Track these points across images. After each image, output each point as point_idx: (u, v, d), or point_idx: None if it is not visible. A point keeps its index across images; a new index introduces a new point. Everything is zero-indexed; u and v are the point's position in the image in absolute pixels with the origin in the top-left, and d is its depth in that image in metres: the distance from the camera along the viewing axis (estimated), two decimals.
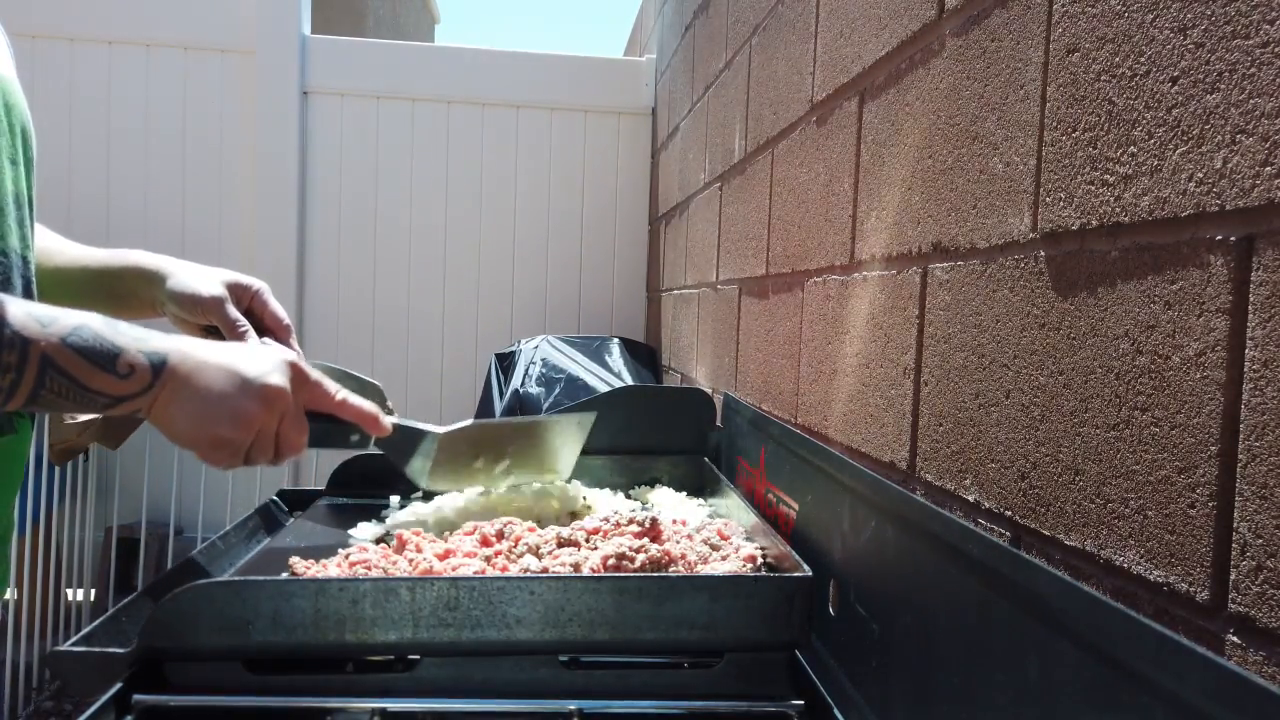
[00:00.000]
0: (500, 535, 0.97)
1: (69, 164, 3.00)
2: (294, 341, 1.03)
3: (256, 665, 0.76)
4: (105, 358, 0.73)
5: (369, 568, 0.88)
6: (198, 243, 3.06)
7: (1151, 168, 0.56)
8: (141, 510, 2.88)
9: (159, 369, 0.76)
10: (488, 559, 0.91)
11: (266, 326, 1.02)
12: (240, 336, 0.97)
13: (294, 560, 0.93)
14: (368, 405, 0.95)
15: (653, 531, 0.94)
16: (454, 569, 0.88)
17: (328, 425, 0.93)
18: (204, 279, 0.99)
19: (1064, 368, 0.64)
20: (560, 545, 0.92)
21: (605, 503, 1.19)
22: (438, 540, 0.98)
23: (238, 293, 1.00)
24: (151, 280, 0.99)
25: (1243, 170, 0.49)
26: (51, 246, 0.98)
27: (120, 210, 3.02)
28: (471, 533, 0.99)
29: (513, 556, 0.91)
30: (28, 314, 0.70)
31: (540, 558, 0.90)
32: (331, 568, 0.91)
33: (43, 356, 0.70)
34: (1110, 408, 0.59)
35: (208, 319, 0.98)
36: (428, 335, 3.17)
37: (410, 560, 0.91)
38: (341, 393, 0.92)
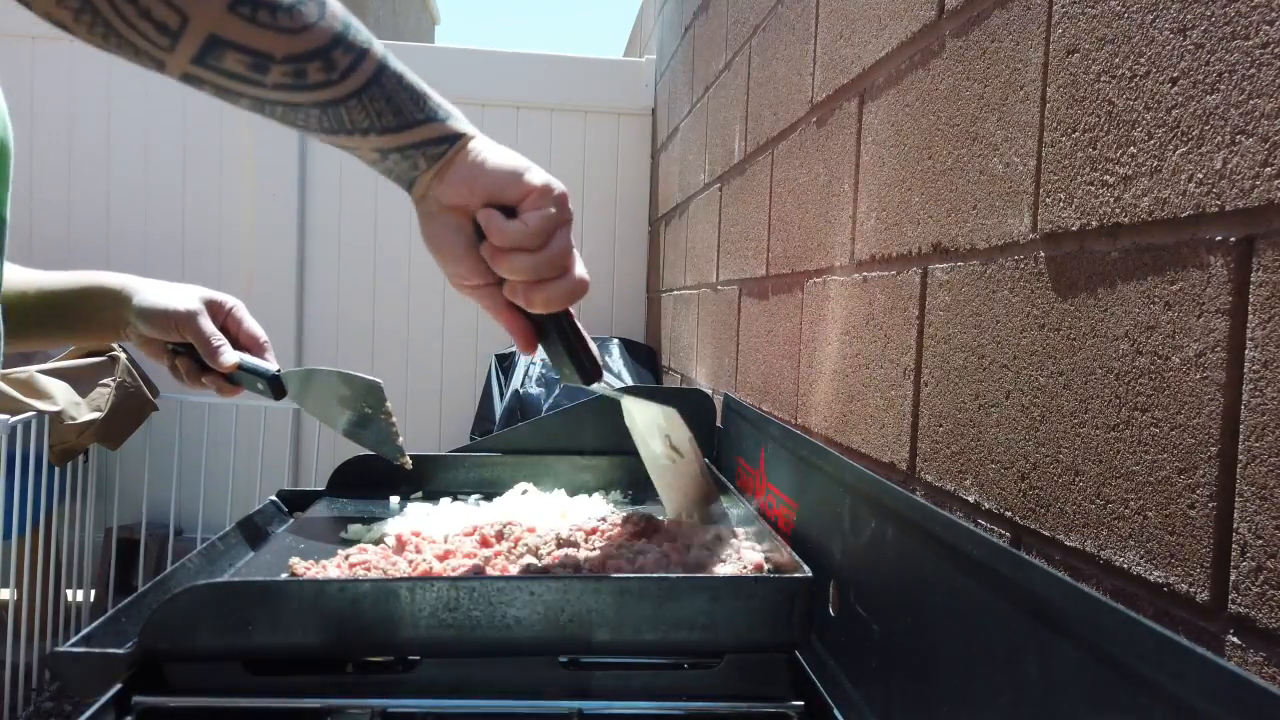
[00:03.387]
0: (500, 536, 0.97)
1: (69, 165, 3.00)
2: (270, 357, 1.02)
3: (256, 666, 0.76)
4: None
5: (368, 568, 0.88)
6: (198, 242, 3.06)
7: (1151, 168, 0.56)
8: (141, 511, 2.89)
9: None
10: (487, 560, 0.91)
11: (241, 343, 1.00)
12: (215, 352, 0.95)
13: (294, 561, 0.93)
14: (215, 341, 0.95)
15: (650, 528, 0.95)
16: (454, 570, 0.88)
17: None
18: (176, 294, 0.96)
19: (1064, 368, 0.64)
20: (560, 545, 0.92)
21: (584, 508, 1.19)
22: (437, 541, 0.98)
23: (212, 309, 0.98)
24: (117, 299, 0.95)
25: (1243, 171, 0.49)
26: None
27: (120, 213, 3.02)
28: (471, 533, 0.99)
29: (512, 557, 0.91)
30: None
31: (540, 558, 0.90)
32: (331, 569, 0.91)
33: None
34: (1110, 408, 0.59)
35: (181, 335, 0.95)
36: (428, 335, 3.17)
37: (410, 561, 0.91)
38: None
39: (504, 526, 0.98)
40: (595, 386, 0.81)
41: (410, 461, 1.08)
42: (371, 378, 1.02)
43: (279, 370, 1.01)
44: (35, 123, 2.93)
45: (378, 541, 1.02)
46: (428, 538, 1.00)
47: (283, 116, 0.65)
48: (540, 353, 0.80)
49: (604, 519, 1.01)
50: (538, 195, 0.70)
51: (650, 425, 1.01)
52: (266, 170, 3.02)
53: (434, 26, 17.88)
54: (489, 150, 0.71)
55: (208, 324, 0.95)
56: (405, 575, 0.87)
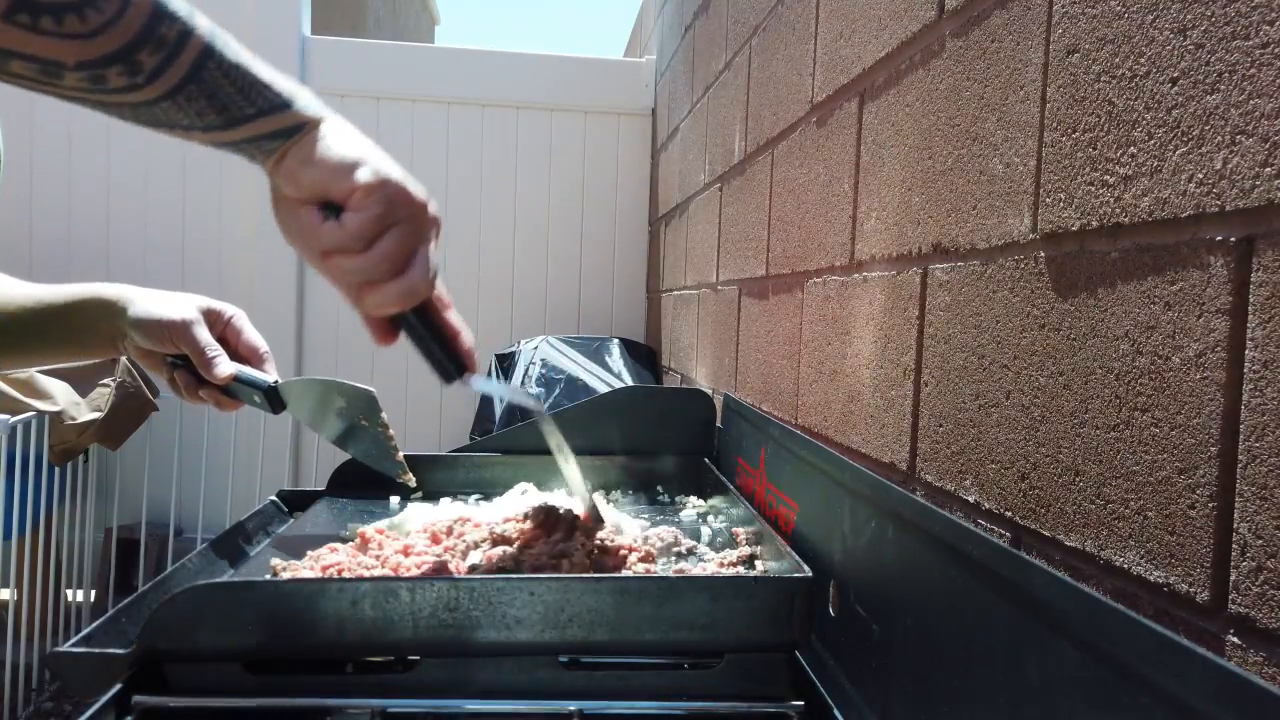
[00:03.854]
0: (449, 532, 0.99)
1: (69, 170, 3.00)
2: (270, 369, 0.97)
3: (256, 666, 0.76)
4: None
5: (341, 570, 0.90)
6: (198, 242, 3.06)
7: (1151, 168, 0.56)
8: (141, 511, 2.88)
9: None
10: (438, 556, 0.93)
11: (241, 354, 0.95)
12: (210, 363, 0.90)
13: (275, 562, 0.94)
14: (210, 352, 0.91)
15: (552, 522, 0.97)
16: (419, 566, 0.90)
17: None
18: (172, 304, 0.91)
19: (1064, 368, 0.64)
20: (495, 543, 0.93)
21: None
22: (398, 538, 0.99)
23: (210, 318, 0.93)
24: (112, 310, 0.90)
25: (1243, 171, 0.49)
26: None
27: (120, 213, 3.02)
28: (425, 531, 1.01)
29: (456, 553, 0.93)
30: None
31: (479, 551, 0.92)
32: (304, 569, 0.92)
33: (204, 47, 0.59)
34: (1110, 408, 0.59)
35: (176, 346, 0.90)
36: None
37: (377, 557, 0.92)
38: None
39: (453, 523, 1.00)
40: (470, 381, 0.78)
41: (414, 479, 1.04)
42: (364, 386, 0.97)
43: (276, 382, 0.95)
44: (35, 128, 2.93)
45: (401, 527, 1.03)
46: (390, 535, 1.01)
47: (101, 110, 0.61)
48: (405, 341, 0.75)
49: (525, 517, 1.01)
50: (363, 194, 0.64)
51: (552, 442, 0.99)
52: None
53: (434, 26, 17.89)
54: (330, 140, 0.65)
55: (203, 334, 0.91)
56: (378, 574, 0.88)
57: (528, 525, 0.97)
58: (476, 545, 0.94)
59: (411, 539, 0.98)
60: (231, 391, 0.94)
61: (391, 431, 1.01)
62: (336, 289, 0.69)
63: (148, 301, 0.91)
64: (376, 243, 0.65)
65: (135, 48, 0.56)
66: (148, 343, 0.90)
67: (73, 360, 0.98)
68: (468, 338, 0.76)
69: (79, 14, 0.53)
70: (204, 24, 0.60)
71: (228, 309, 0.96)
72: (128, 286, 0.93)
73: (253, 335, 0.97)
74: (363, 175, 0.64)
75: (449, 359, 0.76)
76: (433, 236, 0.68)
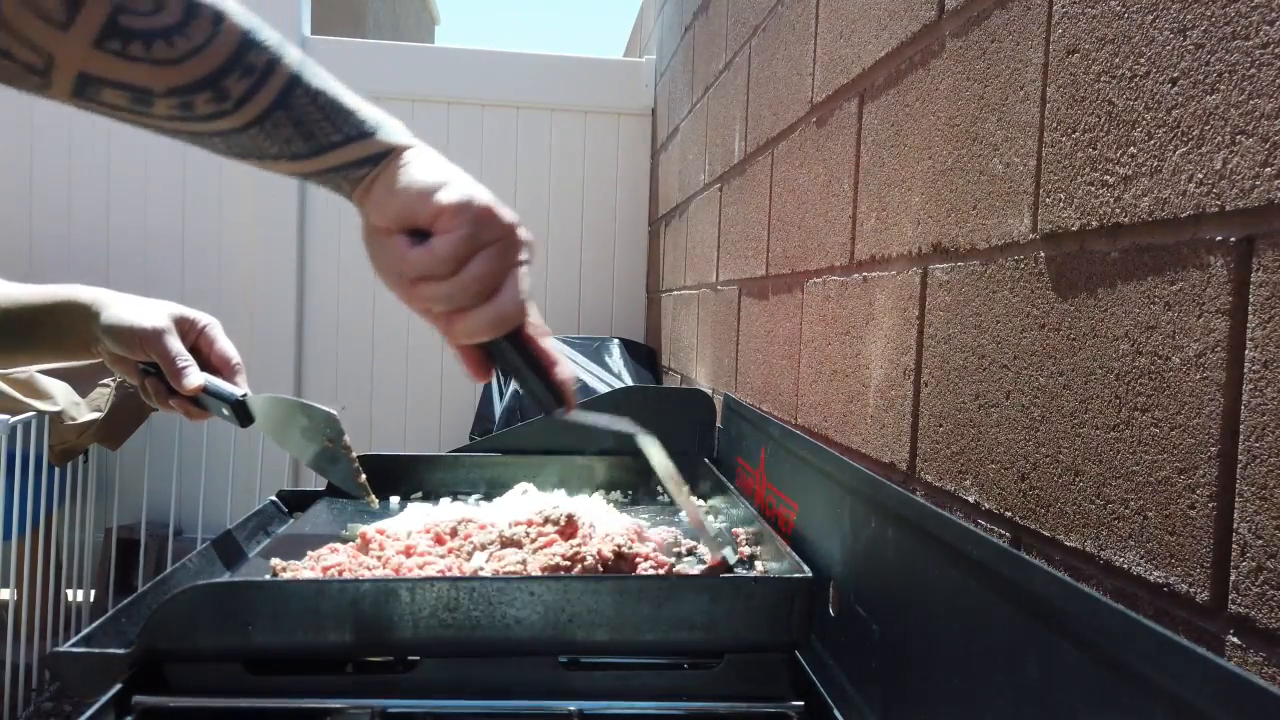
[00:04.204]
0: (453, 533, 0.99)
1: (69, 170, 3.00)
2: (241, 381, 0.95)
3: (256, 666, 0.76)
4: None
5: (341, 571, 0.89)
6: (198, 241, 3.06)
7: (1151, 168, 0.56)
8: (141, 511, 2.88)
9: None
10: (441, 557, 0.93)
11: (212, 364, 0.94)
12: (179, 373, 0.88)
13: (274, 561, 0.94)
14: (180, 361, 0.89)
15: (568, 529, 0.96)
16: (421, 566, 0.90)
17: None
18: (145, 311, 0.90)
19: (1064, 368, 0.64)
20: (504, 545, 0.93)
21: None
22: (401, 539, 0.99)
23: (183, 327, 0.92)
24: (85, 315, 0.89)
25: (1243, 171, 0.49)
26: None
27: (120, 212, 3.02)
28: (428, 531, 1.01)
29: (462, 554, 0.93)
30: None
31: (487, 553, 0.92)
32: (304, 570, 0.92)
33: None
34: (1110, 408, 0.59)
35: (147, 354, 0.89)
36: (428, 335, 3.17)
37: (378, 558, 0.92)
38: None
39: (458, 524, 1.00)
40: (565, 415, 0.72)
41: (377, 501, 1.04)
42: (327, 408, 0.95)
43: (244, 396, 0.94)
44: (35, 130, 2.94)
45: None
46: (391, 535, 1.00)
47: (193, 142, 0.61)
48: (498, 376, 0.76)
49: (530, 522, 1.00)
50: (449, 216, 0.62)
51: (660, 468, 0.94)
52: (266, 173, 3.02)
53: (434, 26, 17.89)
54: (413, 166, 0.64)
55: (174, 343, 0.89)
56: (381, 575, 0.88)
57: (545, 529, 0.96)
58: (483, 547, 0.93)
59: (414, 539, 0.98)
60: (201, 402, 0.93)
61: (354, 455, 0.99)
62: (428, 321, 0.67)
63: (120, 307, 0.90)
64: (465, 267, 0.62)
65: (223, 74, 0.56)
66: (119, 349, 0.89)
67: (52, 361, 0.96)
68: (565, 368, 0.71)
69: (168, 40, 0.53)
70: (293, 53, 0.60)
71: (201, 318, 0.95)
72: (104, 291, 0.92)
73: (225, 345, 0.95)
74: (446, 196, 0.62)
75: (546, 389, 0.70)
76: (524, 260, 0.65)
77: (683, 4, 2.40)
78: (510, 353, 0.68)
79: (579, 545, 0.90)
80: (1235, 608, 0.48)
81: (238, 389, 0.94)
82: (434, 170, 0.64)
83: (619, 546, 0.91)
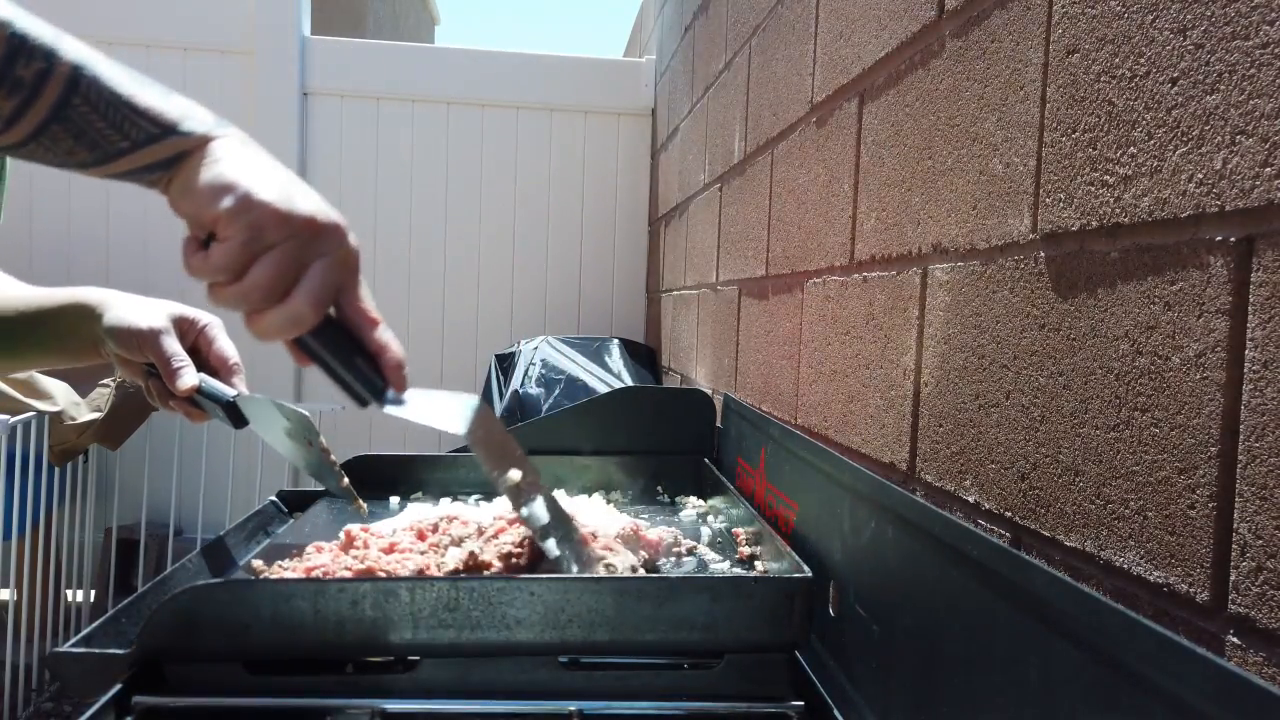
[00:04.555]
0: (435, 528, 0.99)
1: (69, 174, 3.00)
2: (239, 382, 0.95)
3: (256, 666, 0.76)
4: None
5: (327, 573, 0.89)
6: None
7: (1151, 168, 0.56)
8: (141, 511, 2.88)
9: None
10: (421, 554, 0.93)
11: (210, 365, 0.94)
12: (174, 374, 0.88)
13: (255, 562, 0.94)
14: (175, 362, 0.88)
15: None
16: (401, 563, 0.90)
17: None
18: (144, 312, 0.90)
19: (1064, 368, 0.64)
20: (482, 537, 0.93)
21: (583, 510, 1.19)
22: (383, 536, 0.99)
23: (182, 327, 0.92)
24: (90, 316, 0.90)
25: (1242, 171, 0.49)
26: None
27: (120, 212, 3.02)
28: (411, 528, 1.01)
29: (440, 549, 0.93)
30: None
31: (461, 547, 0.91)
32: (287, 571, 0.91)
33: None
34: (1110, 408, 0.59)
35: (144, 355, 0.89)
36: (428, 336, 3.17)
37: (357, 557, 0.92)
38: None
39: (440, 520, 1.00)
40: (393, 402, 0.72)
41: (365, 507, 1.01)
42: (300, 409, 0.94)
43: (235, 397, 0.93)
44: None
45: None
46: (374, 533, 1.00)
47: None
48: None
49: (500, 517, 1.00)
50: (224, 222, 0.60)
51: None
52: None
53: (434, 26, 17.89)
54: (210, 165, 0.61)
55: (171, 344, 0.89)
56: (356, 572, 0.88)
57: (511, 517, 0.97)
58: (460, 542, 0.93)
59: (397, 537, 0.98)
60: (198, 403, 0.93)
61: (333, 456, 0.99)
62: None
63: (121, 309, 0.90)
64: (248, 272, 0.61)
65: None
66: (121, 350, 0.89)
67: (63, 364, 0.96)
68: (393, 355, 0.71)
69: None
70: (70, 54, 0.56)
71: (202, 317, 0.94)
72: (109, 292, 0.92)
73: (224, 345, 0.95)
74: (225, 202, 0.60)
75: (358, 378, 0.71)
76: (330, 253, 0.64)
77: (683, 4, 2.40)
78: (313, 348, 0.68)
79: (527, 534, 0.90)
80: (1235, 608, 0.48)
81: (231, 390, 0.93)
82: (227, 169, 0.61)
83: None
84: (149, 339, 0.88)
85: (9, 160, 0.76)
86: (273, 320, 0.62)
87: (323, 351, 0.69)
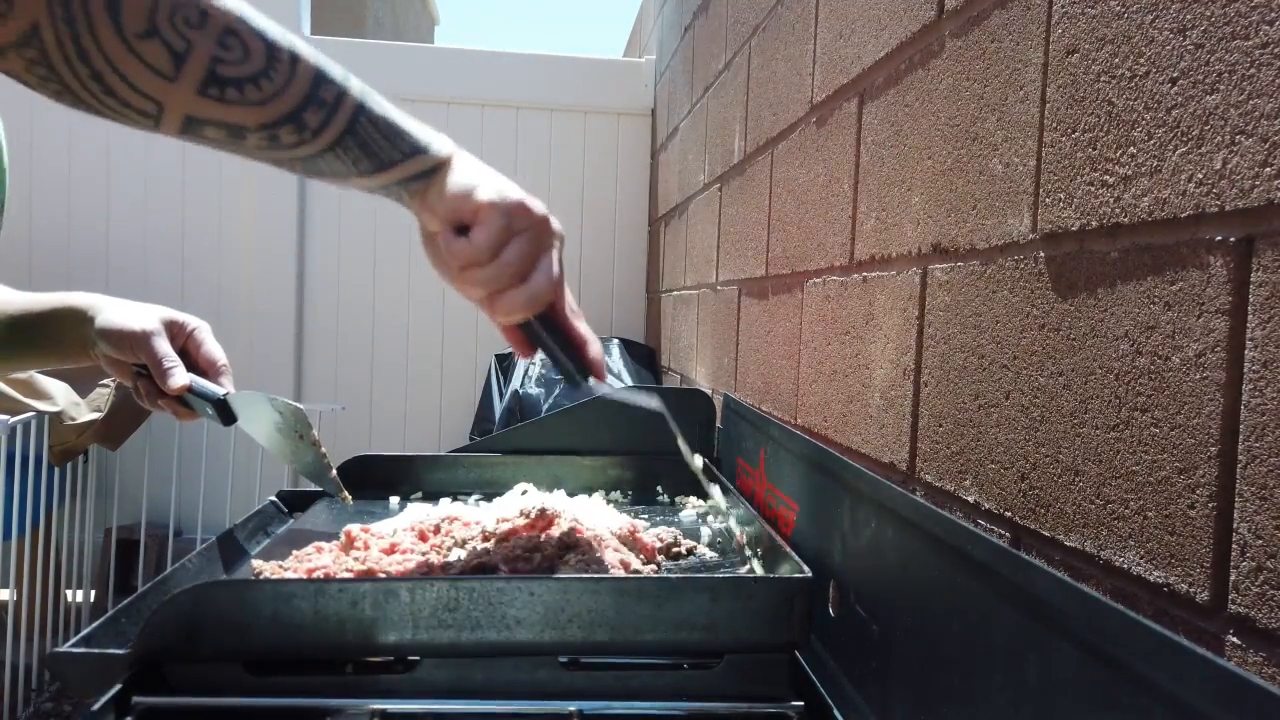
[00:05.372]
0: (436, 530, 0.99)
1: (69, 179, 3.00)
2: (227, 382, 0.99)
3: (256, 666, 0.76)
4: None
5: (328, 573, 0.89)
6: (197, 240, 3.06)
7: (1151, 168, 0.56)
8: (141, 511, 2.88)
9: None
10: (424, 554, 0.93)
11: (199, 366, 0.98)
12: (166, 373, 0.93)
13: (255, 563, 0.94)
14: (166, 362, 0.93)
15: (540, 522, 0.96)
16: (402, 563, 0.90)
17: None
18: (136, 314, 0.95)
19: (1064, 368, 0.64)
20: (484, 540, 0.93)
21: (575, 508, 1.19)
22: (383, 536, 0.99)
23: (172, 330, 0.97)
24: (81, 319, 0.95)
25: (1242, 171, 0.49)
26: None
27: (120, 212, 3.02)
28: (412, 529, 1.01)
29: (443, 550, 0.93)
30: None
31: (465, 550, 0.92)
32: (287, 571, 0.91)
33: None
34: (1110, 408, 0.59)
35: (136, 356, 0.94)
36: (428, 335, 3.17)
37: (358, 558, 0.92)
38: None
39: (440, 521, 1.00)
40: (594, 386, 0.81)
41: (350, 498, 1.06)
42: (295, 403, 0.98)
43: (226, 395, 0.97)
44: (35, 134, 2.93)
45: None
46: (375, 534, 1.00)
47: (276, 165, 0.69)
48: (540, 354, 0.81)
49: (505, 519, 1.01)
50: (485, 210, 0.71)
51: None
52: (265, 173, 3.02)
53: (434, 26, 17.89)
54: (458, 173, 0.73)
55: (162, 345, 0.94)
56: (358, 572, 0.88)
57: (519, 522, 0.97)
58: (463, 543, 0.93)
59: (398, 537, 0.98)
60: (187, 402, 0.96)
61: (324, 450, 1.02)
62: (475, 304, 0.77)
63: (113, 311, 0.94)
64: (501, 253, 0.72)
65: (302, 108, 0.64)
66: (112, 351, 0.93)
67: (54, 365, 1.01)
68: (595, 347, 0.81)
69: (256, 84, 0.61)
70: (356, 84, 0.68)
71: (191, 321, 0.99)
72: (99, 296, 0.97)
73: (212, 348, 1.00)
74: (483, 195, 0.72)
75: (572, 362, 0.79)
76: (555, 246, 0.75)
77: (683, 4, 2.40)
78: (539, 330, 0.77)
79: (539, 537, 0.90)
80: (1235, 608, 0.48)
81: (220, 389, 0.97)
82: (473, 173, 0.74)
83: (562, 537, 0.92)
84: (141, 340, 0.93)
85: (7, 171, 0.81)
86: (517, 297, 0.73)
87: (546, 333, 0.77)
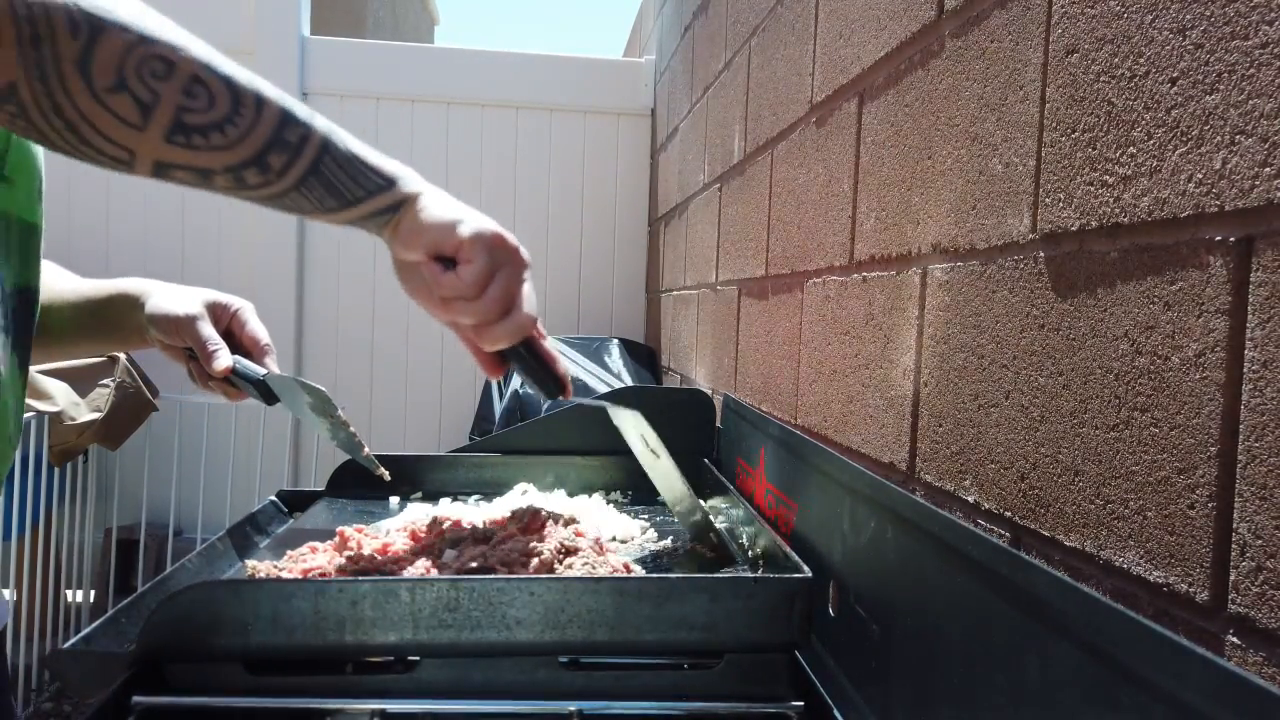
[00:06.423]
0: (429, 530, 0.99)
1: (69, 168, 3.00)
2: (270, 362, 1.01)
3: (256, 666, 0.76)
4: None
5: (324, 574, 0.89)
6: (197, 239, 3.06)
7: (1151, 168, 0.56)
8: (141, 511, 2.89)
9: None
10: (416, 554, 0.92)
11: (243, 346, 1.00)
12: (210, 357, 0.95)
13: (251, 563, 0.94)
14: (210, 346, 0.96)
15: (532, 524, 0.96)
16: (396, 563, 0.89)
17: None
18: (181, 299, 0.98)
19: (1063, 368, 0.64)
20: (475, 541, 0.93)
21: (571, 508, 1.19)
22: (376, 536, 0.99)
23: (216, 312, 0.99)
24: (134, 305, 0.98)
25: (1242, 171, 0.49)
26: (45, 281, 0.96)
27: (120, 212, 3.02)
28: (404, 529, 1.00)
29: (435, 550, 0.93)
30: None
31: (458, 550, 0.91)
32: (282, 571, 0.91)
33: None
34: (1110, 408, 0.59)
35: (183, 340, 0.96)
36: (428, 335, 3.17)
37: (351, 559, 0.91)
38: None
39: (432, 521, 1.00)
40: (565, 400, 0.85)
41: (387, 474, 1.09)
42: (317, 385, 1.01)
43: (265, 375, 1.00)
44: None
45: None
46: (369, 534, 1.00)
47: (246, 201, 0.72)
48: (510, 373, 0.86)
49: (494, 522, 1.01)
50: (468, 246, 0.75)
51: (630, 429, 1.06)
52: None
53: (434, 26, 17.89)
54: (431, 206, 0.77)
55: (206, 328, 0.96)
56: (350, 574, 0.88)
57: (510, 526, 0.97)
58: (455, 544, 0.93)
59: (391, 538, 0.98)
60: (233, 382, 0.99)
61: (354, 428, 1.05)
62: (454, 331, 0.83)
63: (160, 297, 0.97)
64: (487, 288, 0.75)
65: (265, 151, 0.67)
66: (161, 336, 0.96)
67: (119, 349, 1.05)
68: (563, 364, 0.86)
69: (221, 130, 0.64)
70: (321, 124, 0.70)
71: (234, 302, 1.01)
72: (150, 281, 1.00)
73: (255, 328, 1.02)
74: (465, 230, 0.75)
75: (551, 378, 0.85)
76: (528, 276, 0.79)
77: (682, 4, 2.40)
78: (524, 354, 0.82)
79: (535, 543, 0.90)
80: (1235, 608, 0.48)
81: (261, 370, 1.00)
82: (448, 208, 0.77)
83: (563, 542, 0.91)
84: (185, 325, 0.95)
85: (44, 166, 0.86)
86: (504, 329, 0.77)
87: (528, 356, 0.83)
